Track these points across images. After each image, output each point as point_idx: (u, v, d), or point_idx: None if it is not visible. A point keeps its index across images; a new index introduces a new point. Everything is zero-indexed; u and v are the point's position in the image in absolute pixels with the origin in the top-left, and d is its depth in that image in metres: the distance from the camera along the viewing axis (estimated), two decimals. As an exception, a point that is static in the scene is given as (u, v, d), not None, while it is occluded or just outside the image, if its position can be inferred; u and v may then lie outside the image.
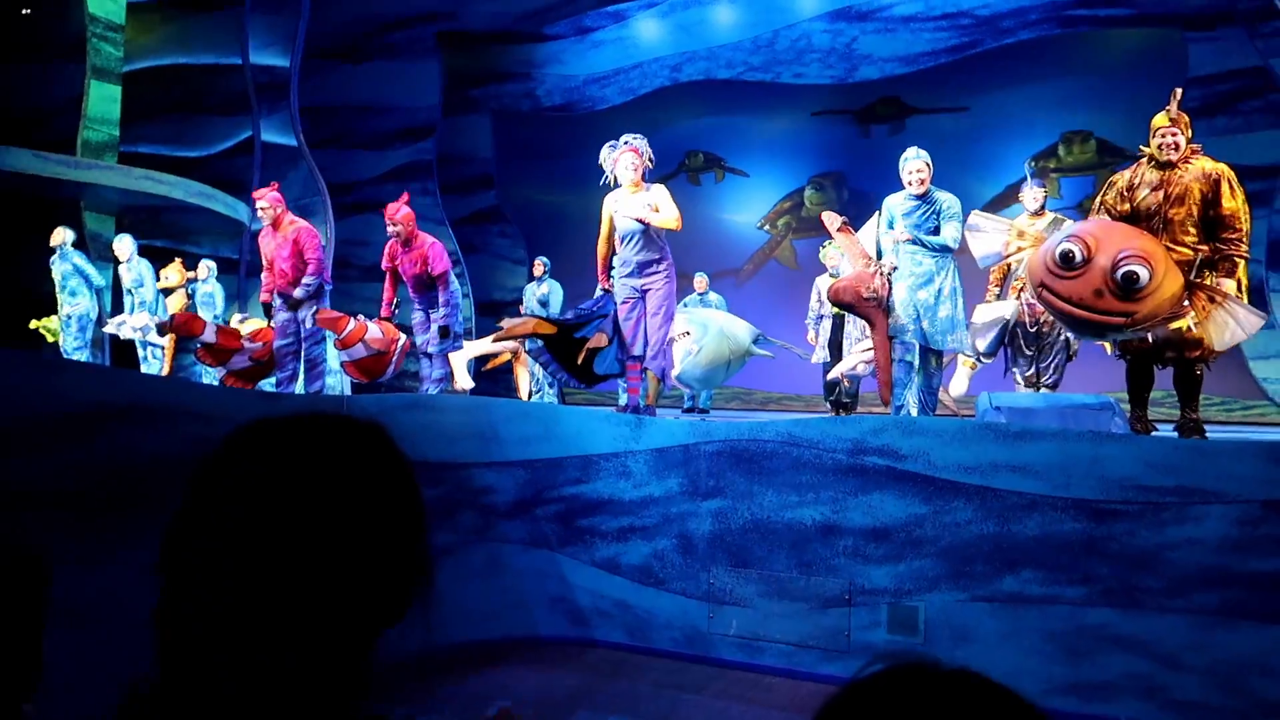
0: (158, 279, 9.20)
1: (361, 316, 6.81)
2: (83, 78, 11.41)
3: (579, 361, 5.82)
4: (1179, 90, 4.72)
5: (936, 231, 5.47)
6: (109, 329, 8.88)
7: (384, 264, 6.73)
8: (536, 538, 5.47)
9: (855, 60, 11.72)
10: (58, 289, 8.84)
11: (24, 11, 11.32)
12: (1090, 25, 10.64)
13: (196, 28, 13.01)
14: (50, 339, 8.88)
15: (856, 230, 5.87)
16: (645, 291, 5.71)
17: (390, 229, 6.56)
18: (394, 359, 6.65)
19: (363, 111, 13.08)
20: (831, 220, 5.78)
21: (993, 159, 11.17)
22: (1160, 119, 4.68)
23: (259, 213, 6.71)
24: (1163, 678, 4.11)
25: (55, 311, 8.88)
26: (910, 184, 5.51)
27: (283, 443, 0.76)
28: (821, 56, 11.81)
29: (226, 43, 12.78)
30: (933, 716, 0.52)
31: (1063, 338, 6.21)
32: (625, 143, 5.66)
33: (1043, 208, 6.35)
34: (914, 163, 5.51)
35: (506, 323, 6.09)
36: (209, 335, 6.87)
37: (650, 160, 5.71)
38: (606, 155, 5.71)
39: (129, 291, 8.97)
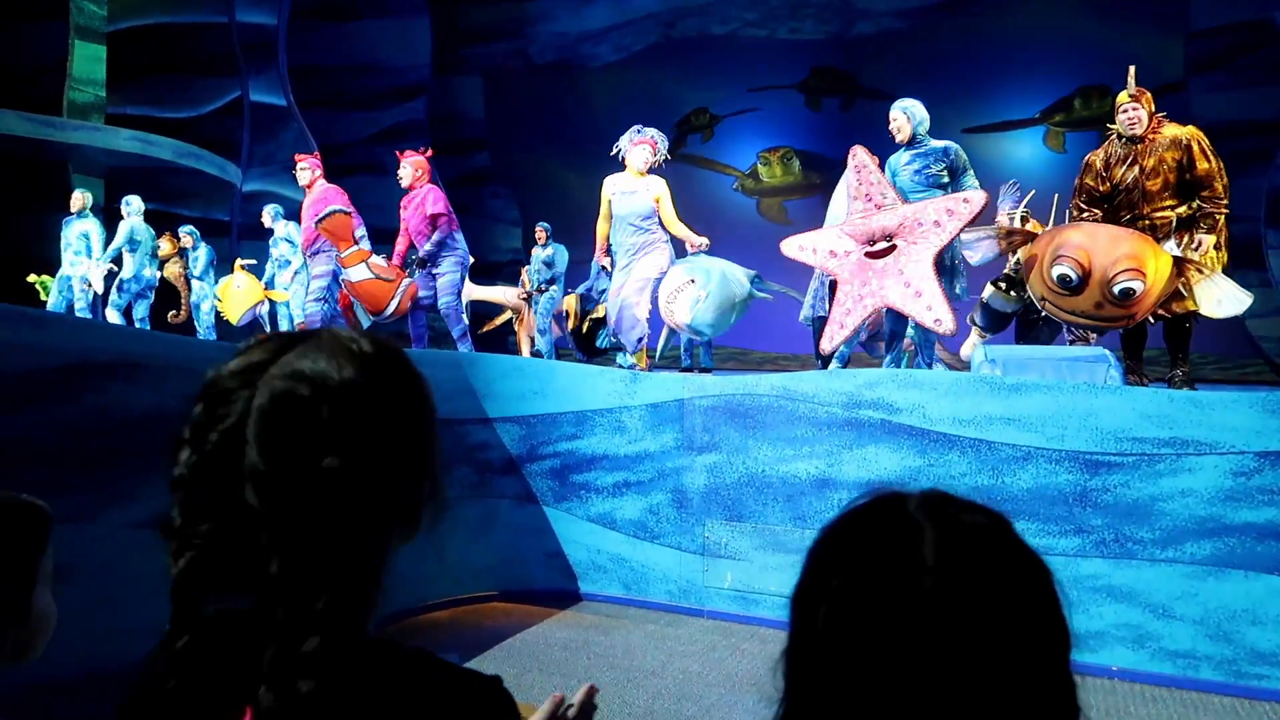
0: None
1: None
2: (66, 37, 11.22)
3: (583, 329, 6.00)
4: (1134, 67, 4.92)
5: (938, 180, 5.32)
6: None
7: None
8: (532, 493, 5.48)
9: (852, 15, 11.54)
10: (64, 247, 8.77)
11: None
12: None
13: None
14: (44, 296, 8.81)
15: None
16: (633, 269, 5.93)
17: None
18: (397, 293, 6.50)
19: (352, 71, 12.90)
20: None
21: (986, 105, 11.06)
22: (1122, 96, 4.88)
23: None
24: (1154, 627, 4.14)
25: (54, 272, 8.82)
26: (893, 135, 5.39)
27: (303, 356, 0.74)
28: (817, 11, 11.64)
29: (212, 1, 12.55)
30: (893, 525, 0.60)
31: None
32: (642, 133, 6.02)
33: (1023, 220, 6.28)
34: (891, 112, 5.39)
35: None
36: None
37: (665, 157, 6.04)
38: (625, 141, 6.08)
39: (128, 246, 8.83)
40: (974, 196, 4.98)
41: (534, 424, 5.46)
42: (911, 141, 5.34)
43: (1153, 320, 4.82)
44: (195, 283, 9.38)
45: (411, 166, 6.56)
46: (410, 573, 4.70)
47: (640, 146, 5.96)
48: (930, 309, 4.94)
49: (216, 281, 9.48)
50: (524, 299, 9.34)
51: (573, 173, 11.40)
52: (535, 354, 8.48)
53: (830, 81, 11.88)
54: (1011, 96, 10.97)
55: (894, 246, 5.11)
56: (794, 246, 5.66)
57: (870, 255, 5.20)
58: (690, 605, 5.07)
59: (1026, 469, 4.35)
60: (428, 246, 6.48)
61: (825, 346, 5.45)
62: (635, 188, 5.89)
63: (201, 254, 9.47)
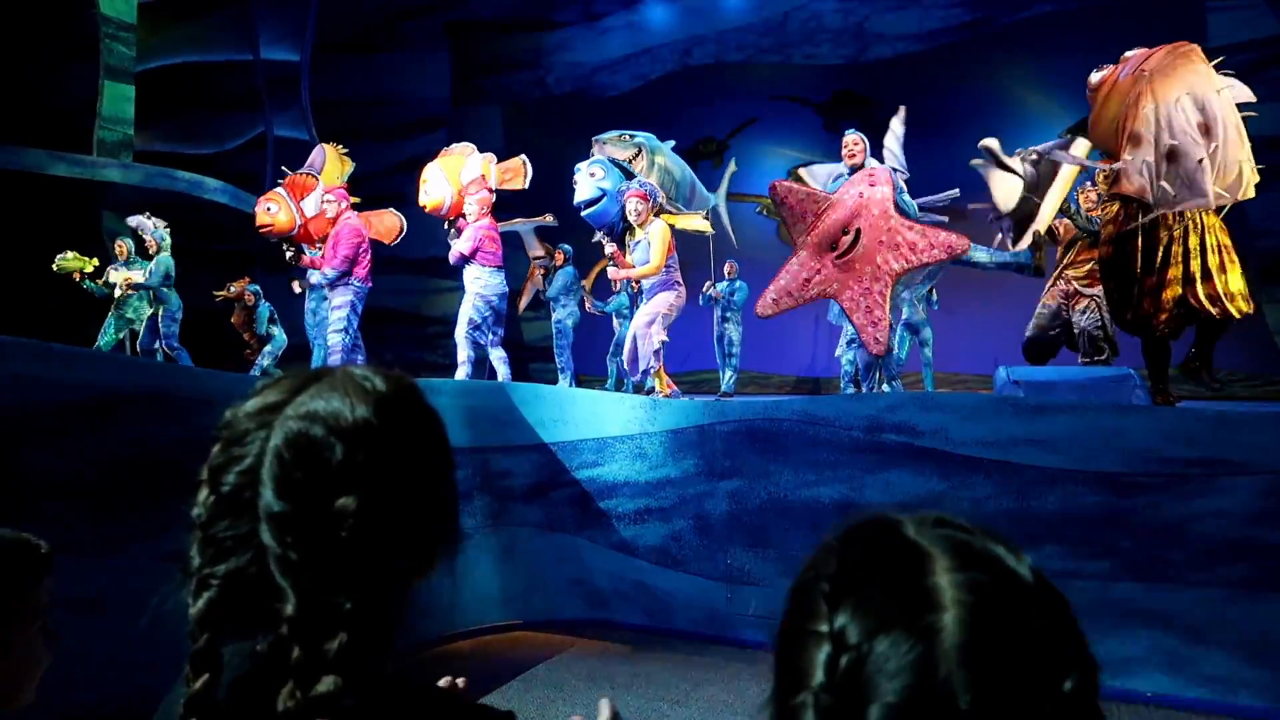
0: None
1: None
2: (96, 78, 11.50)
3: None
4: None
5: None
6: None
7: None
8: (554, 521, 5.48)
9: (867, 39, 11.60)
10: (122, 295, 8.90)
11: None
12: (1109, -3, 10.46)
13: (207, 25, 13.08)
14: (83, 268, 8.71)
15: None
16: (641, 304, 6.13)
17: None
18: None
19: (373, 104, 13.11)
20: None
21: (1012, 136, 11.01)
22: None
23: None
24: (1189, 651, 4.05)
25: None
26: (846, 158, 5.97)
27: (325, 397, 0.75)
28: (833, 36, 11.71)
29: (237, 39, 12.83)
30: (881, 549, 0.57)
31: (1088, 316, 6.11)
32: (629, 188, 6.29)
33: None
34: (851, 137, 6.03)
35: None
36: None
37: (655, 204, 6.23)
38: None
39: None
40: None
41: (555, 451, 5.47)
42: (859, 169, 5.85)
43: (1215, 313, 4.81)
44: (263, 335, 9.85)
45: (478, 204, 6.88)
46: (432, 603, 4.70)
47: (630, 201, 6.17)
48: (927, 246, 5.13)
49: (278, 332, 9.83)
50: (543, 268, 9.64)
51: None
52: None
53: (847, 104, 11.92)
54: (1030, 118, 10.93)
55: (858, 231, 5.24)
56: (768, 304, 5.60)
57: (840, 258, 5.30)
58: (714, 633, 5.03)
59: (1053, 491, 4.29)
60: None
61: (877, 350, 5.43)
62: (639, 238, 6.14)
63: (263, 311, 9.94)
